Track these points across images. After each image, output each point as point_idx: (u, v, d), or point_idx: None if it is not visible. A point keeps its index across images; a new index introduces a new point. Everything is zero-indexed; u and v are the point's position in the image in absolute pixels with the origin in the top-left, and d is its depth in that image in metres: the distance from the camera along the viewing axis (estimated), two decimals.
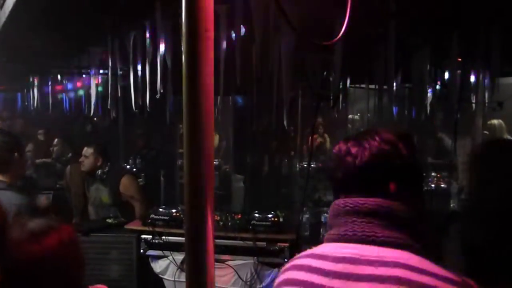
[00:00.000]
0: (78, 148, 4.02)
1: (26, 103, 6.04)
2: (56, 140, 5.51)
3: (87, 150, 3.83)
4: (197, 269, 0.83)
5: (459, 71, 3.96)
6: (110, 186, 3.82)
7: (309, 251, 1.12)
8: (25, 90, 6.08)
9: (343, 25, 1.18)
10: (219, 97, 3.87)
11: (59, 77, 5.58)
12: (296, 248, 3.10)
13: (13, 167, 2.75)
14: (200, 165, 0.83)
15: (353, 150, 1.06)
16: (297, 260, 1.13)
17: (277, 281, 1.14)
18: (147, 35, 3.26)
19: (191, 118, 0.84)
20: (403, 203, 1.02)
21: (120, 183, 3.79)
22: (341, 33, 1.16)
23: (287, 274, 1.12)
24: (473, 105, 4.60)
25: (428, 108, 4.47)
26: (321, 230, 3.22)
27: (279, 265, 3.12)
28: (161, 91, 3.32)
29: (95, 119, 6.98)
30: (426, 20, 3.36)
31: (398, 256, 0.97)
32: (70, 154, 4.69)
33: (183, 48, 0.83)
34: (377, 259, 0.98)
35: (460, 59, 3.82)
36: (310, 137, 5.55)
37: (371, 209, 1.01)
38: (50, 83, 5.65)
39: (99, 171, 3.82)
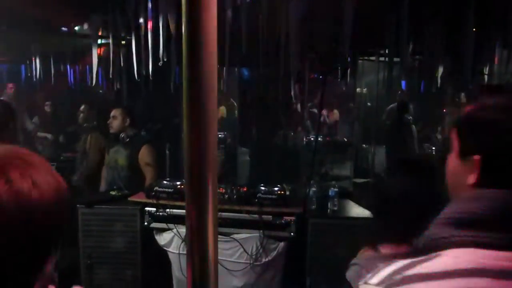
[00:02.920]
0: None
1: (29, 74, 5.95)
2: (83, 106, 5.49)
3: (116, 111, 3.92)
4: (199, 244, 0.77)
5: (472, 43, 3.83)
6: (130, 150, 3.90)
7: None
8: (27, 61, 5.98)
9: None
10: (224, 68, 3.78)
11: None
12: (302, 222, 3.06)
13: (6, 136, 2.73)
14: (202, 135, 0.76)
15: None
16: None
17: None
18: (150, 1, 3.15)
19: (192, 84, 0.76)
20: None
21: (141, 149, 3.87)
22: None
23: None
24: (486, 77, 4.48)
25: (439, 81, 4.36)
26: (328, 204, 3.17)
27: (285, 239, 3.08)
28: (165, 59, 3.23)
29: (100, 91, 6.89)
30: None
31: None
32: (95, 122, 4.77)
33: (183, 11, 0.75)
34: None
35: (474, 30, 3.69)
36: (318, 111, 5.46)
37: None
38: (52, 53, 5.58)
39: (123, 134, 3.89)
